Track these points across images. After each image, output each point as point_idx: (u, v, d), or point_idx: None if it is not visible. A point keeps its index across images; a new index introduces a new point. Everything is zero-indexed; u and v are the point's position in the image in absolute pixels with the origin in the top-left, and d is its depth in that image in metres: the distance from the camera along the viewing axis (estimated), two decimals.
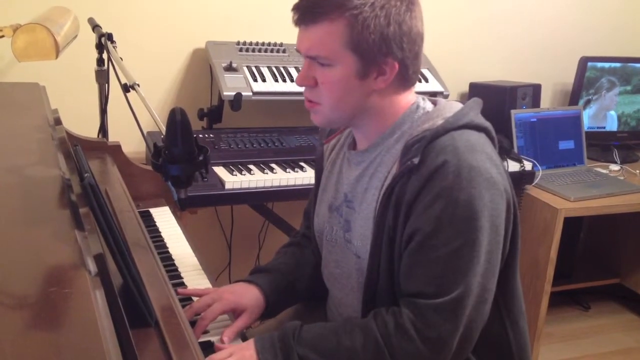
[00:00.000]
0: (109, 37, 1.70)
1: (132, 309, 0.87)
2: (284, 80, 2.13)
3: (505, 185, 1.04)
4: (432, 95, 1.18)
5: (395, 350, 1.00)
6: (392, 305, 1.07)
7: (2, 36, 1.41)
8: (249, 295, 1.20)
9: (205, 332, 1.13)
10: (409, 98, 1.11)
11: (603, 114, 2.78)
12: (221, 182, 1.79)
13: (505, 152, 2.27)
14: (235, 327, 1.14)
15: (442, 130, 1.02)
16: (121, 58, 1.57)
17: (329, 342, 1.03)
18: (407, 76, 1.07)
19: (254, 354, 1.02)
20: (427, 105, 1.12)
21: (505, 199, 1.03)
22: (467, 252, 0.98)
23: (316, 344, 1.03)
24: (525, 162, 2.26)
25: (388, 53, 1.02)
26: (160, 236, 1.49)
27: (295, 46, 1.09)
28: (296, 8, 1.05)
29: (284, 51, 2.27)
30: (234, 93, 2.01)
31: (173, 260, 1.37)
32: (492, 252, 1.01)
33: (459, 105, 1.10)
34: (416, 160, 1.01)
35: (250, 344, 1.04)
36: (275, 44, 2.27)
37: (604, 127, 2.79)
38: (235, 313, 1.18)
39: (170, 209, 1.66)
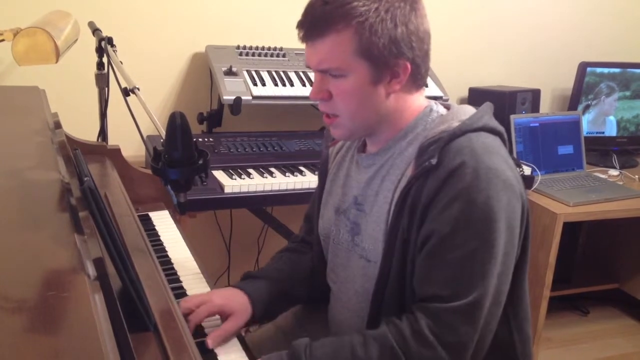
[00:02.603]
0: (109, 40, 1.70)
1: (131, 313, 0.87)
2: (284, 85, 2.13)
3: (520, 188, 1.03)
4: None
5: (414, 358, 0.98)
6: (398, 311, 1.06)
7: (3, 40, 1.41)
8: (236, 299, 1.19)
9: (203, 334, 1.12)
10: (421, 101, 1.11)
11: (602, 119, 2.78)
12: (220, 186, 1.79)
13: None
14: (222, 330, 1.12)
15: (459, 132, 1.02)
16: (121, 62, 1.58)
17: (343, 356, 1.00)
18: (420, 75, 1.07)
19: None
20: (440, 109, 1.12)
21: (521, 201, 1.03)
22: (484, 254, 0.97)
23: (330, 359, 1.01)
24: (525, 167, 2.26)
25: (399, 55, 1.02)
26: (160, 240, 1.48)
27: (305, 62, 1.08)
28: (301, 25, 1.04)
29: (283, 55, 2.27)
30: (233, 97, 2.01)
31: (172, 264, 1.37)
32: (508, 254, 1.01)
33: (473, 109, 1.10)
34: (434, 161, 1.00)
35: None
36: (275, 49, 2.27)
37: (603, 132, 2.80)
38: (222, 316, 1.17)
39: (169, 212, 1.65)
